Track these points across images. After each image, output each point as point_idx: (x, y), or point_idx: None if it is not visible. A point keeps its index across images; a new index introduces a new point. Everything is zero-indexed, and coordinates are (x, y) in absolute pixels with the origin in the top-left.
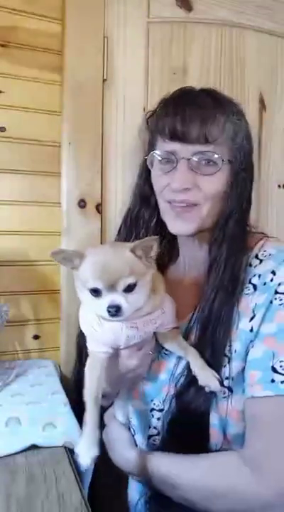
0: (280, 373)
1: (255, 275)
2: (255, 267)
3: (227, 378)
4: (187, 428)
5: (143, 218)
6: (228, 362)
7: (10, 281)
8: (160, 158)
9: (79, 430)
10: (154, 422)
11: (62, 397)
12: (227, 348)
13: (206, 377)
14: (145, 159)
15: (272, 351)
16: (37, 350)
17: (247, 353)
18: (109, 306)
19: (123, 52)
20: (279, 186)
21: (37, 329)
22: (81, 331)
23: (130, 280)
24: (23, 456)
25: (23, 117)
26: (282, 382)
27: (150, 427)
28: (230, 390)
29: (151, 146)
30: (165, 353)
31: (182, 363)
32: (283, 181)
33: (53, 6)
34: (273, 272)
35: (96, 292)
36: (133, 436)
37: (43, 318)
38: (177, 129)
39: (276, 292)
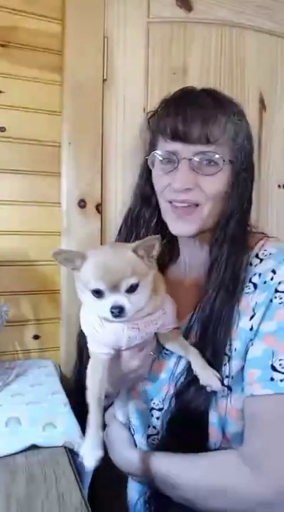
0: (279, 372)
1: (255, 274)
2: (255, 266)
3: (227, 377)
4: (187, 427)
5: (143, 218)
6: (228, 361)
7: (10, 281)
8: (161, 158)
9: (79, 430)
10: (154, 421)
11: (62, 397)
12: (227, 347)
13: (208, 377)
14: (146, 159)
15: (272, 350)
16: (37, 350)
17: (247, 351)
18: (112, 307)
19: (123, 52)
20: (279, 186)
21: (37, 329)
22: (81, 330)
23: (133, 280)
24: (23, 456)
25: (23, 117)
26: (281, 380)
27: (149, 427)
28: (229, 388)
29: (152, 146)
30: (166, 353)
31: (182, 363)
32: (283, 181)
33: (53, 6)
34: (273, 271)
35: (98, 293)
36: (132, 436)
37: (43, 318)
38: (179, 129)
39: (276, 291)
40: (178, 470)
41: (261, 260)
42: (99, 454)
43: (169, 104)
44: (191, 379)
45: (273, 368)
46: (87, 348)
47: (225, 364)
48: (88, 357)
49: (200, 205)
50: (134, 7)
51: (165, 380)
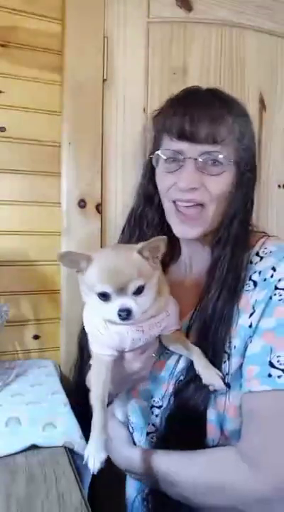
0: (277, 368)
1: (255, 272)
2: (255, 264)
3: (226, 375)
4: (185, 424)
5: (146, 218)
6: (228, 358)
7: (10, 281)
8: (165, 158)
9: (79, 430)
10: (153, 418)
11: (62, 397)
12: (227, 344)
13: (211, 377)
14: (150, 158)
15: (270, 346)
16: (37, 350)
17: (246, 348)
18: (120, 310)
19: (123, 52)
20: (279, 186)
21: (37, 329)
22: (82, 330)
23: (140, 282)
24: (23, 456)
25: (23, 117)
26: (279, 376)
27: (148, 424)
28: (228, 386)
29: (156, 145)
30: (166, 352)
31: (182, 361)
32: (283, 181)
33: (53, 6)
34: (273, 268)
35: (104, 296)
36: (131, 434)
37: (43, 318)
38: (186, 129)
39: (276, 288)
40: (177, 467)
41: (261, 258)
42: (104, 456)
43: (175, 104)
44: (191, 377)
45: (271, 365)
46: (88, 348)
47: (225, 362)
48: (88, 356)
49: (205, 206)
50: (134, 7)
51: (164, 377)
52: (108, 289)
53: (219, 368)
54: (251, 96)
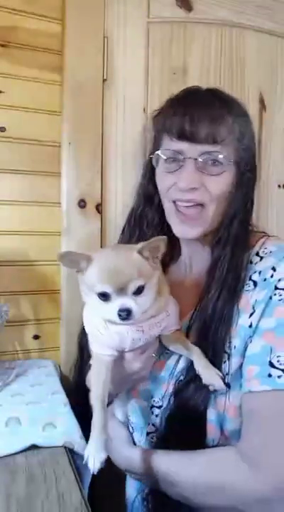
0: (277, 368)
1: (255, 272)
2: (255, 264)
3: (226, 375)
4: (185, 424)
5: (146, 218)
6: (228, 358)
7: (10, 281)
8: (165, 158)
9: (79, 430)
10: (153, 418)
11: (62, 397)
12: (227, 344)
13: (211, 377)
14: (150, 158)
15: (270, 346)
16: (37, 350)
17: (246, 348)
18: (120, 310)
19: (123, 52)
20: (279, 186)
21: (37, 329)
22: (82, 330)
23: (140, 282)
24: (23, 456)
25: (23, 117)
26: (279, 376)
27: (148, 424)
28: (228, 386)
29: (156, 145)
30: (166, 352)
31: (182, 361)
32: (283, 181)
33: (53, 6)
34: (273, 268)
35: (104, 296)
36: (131, 434)
37: (43, 318)
38: (186, 129)
39: (276, 288)
40: (177, 467)
41: (261, 258)
42: (104, 456)
43: (175, 104)
44: (191, 377)
45: (271, 365)
46: (88, 348)
47: (225, 362)
48: (88, 356)
49: (205, 206)
50: (134, 7)
51: (164, 377)
52: (108, 289)
53: (219, 368)
54: (251, 96)
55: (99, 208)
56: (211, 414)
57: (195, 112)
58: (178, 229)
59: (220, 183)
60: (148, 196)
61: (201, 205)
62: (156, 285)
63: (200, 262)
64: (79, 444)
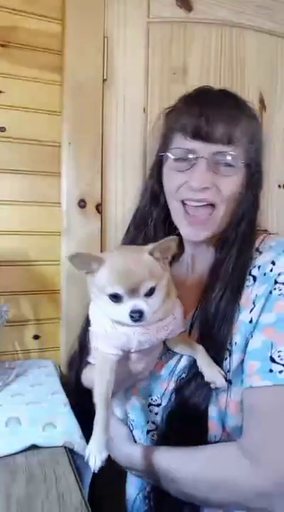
0: (278, 363)
1: (255, 266)
2: (255, 259)
3: (228, 371)
4: (186, 421)
5: (151, 217)
6: (229, 355)
7: (10, 281)
8: (176, 157)
9: (79, 430)
10: (152, 416)
11: (62, 397)
12: (228, 341)
13: (213, 374)
14: (159, 156)
15: (271, 341)
16: (37, 350)
17: (247, 344)
18: (132, 312)
19: (123, 52)
20: (279, 186)
21: (37, 329)
22: (83, 329)
23: (151, 284)
24: (23, 456)
25: (23, 117)
26: (280, 372)
27: (148, 422)
28: (229, 382)
29: (166, 143)
30: (168, 352)
31: (184, 360)
32: (283, 181)
33: (53, 6)
34: (273, 263)
35: (116, 298)
36: (131, 431)
37: (43, 318)
38: (202, 128)
39: (276, 282)
40: (177, 464)
41: (261, 253)
42: (105, 455)
43: (189, 102)
44: (192, 375)
45: (272, 360)
46: (87, 347)
47: (226, 358)
48: (87, 354)
49: (216, 206)
50: (134, 7)
51: (164, 376)
52: (119, 291)
53: (221, 366)
54: (251, 96)
55: (99, 208)
56: (212, 411)
57: (210, 111)
58: (186, 231)
59: (231, 184)
60: (154, 195)
61: (212, 205)
62: (166, 287)
63: (203, 262)
64: (79, 444)
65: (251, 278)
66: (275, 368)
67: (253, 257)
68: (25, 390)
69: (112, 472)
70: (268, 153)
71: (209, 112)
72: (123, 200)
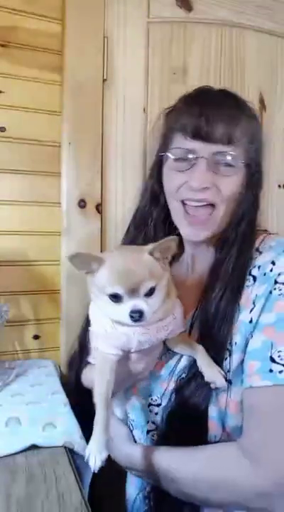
0: (278, 363)
1: (255, 266)
2: (255, 259)
3: (228, 371)
4: (186, 421)
5: (151, 217)
6: (229, 355)
7: (10, 281)
8: (176, 157)
9: (79, 430)
10: (152, 416)
11: (62, 397)
12: (228, 341)
13: (213, 375)
14: (158, 156)
15: (271, 341)
16: (37, 350)
17: (247, 344)
18: (132, 312)
19: (123, 52)
20: (279, 186)
21: (37, 329)
22: (83, 329)
23: (151, 284)
24: (23, 456)
25: (23, 117)
26: (280, 372)
27: (148, 422)
28: (229, 382)
29: (166, 143)
30: (168, 352)
31: (184, 360)
32: (283, 181)
33: (53, 6)
34: (273, 262)
35: (116, 298)
36: (131, 431)
37: (43, 318)
38: (202, 128)
39: (276, 282)
40: (177, 464)
41: (261, 253)
42: (105, 455)
43: (189, 102)
44: (192, 375)
45: (272, 360)
46: (87, 347)
47: (226, 358)
48: (87, 354)
49: (216, 206)
50: (134, 7)
51: (164, 376)
52: (119, 291)
53: (221, 366)
54: (251, 96)
55: (99, 208)
56: (212, 411)
57: (210, 111)
58: (186, 231)
59: (231, 184)
60: (154, 195)
61: (212, 205)
62: (166, 287)
63: (203, 262)
64: (79, 444)
65: (251, 278)
66: (275, 367)
67: (253, 257)
68: (25, 390)
69: (112, 472)
70: (268, 153)
71: (209, 111)
72: (123, 200)
